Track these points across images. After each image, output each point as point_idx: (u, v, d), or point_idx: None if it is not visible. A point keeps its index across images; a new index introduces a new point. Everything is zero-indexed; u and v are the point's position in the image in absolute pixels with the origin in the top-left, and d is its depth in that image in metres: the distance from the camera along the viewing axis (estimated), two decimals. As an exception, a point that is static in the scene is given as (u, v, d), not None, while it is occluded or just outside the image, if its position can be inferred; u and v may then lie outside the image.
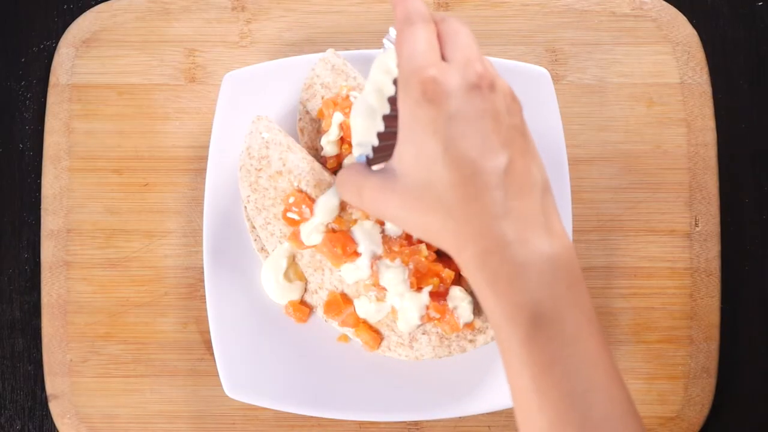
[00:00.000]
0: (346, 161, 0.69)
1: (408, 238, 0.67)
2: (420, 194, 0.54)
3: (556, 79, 0.76)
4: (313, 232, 0.68)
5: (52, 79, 0.77)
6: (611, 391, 0.52)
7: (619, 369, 0.54)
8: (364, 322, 0.69)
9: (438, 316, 0.66)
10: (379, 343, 0.69)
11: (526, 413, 0.52)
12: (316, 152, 0.71)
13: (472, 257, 0.53)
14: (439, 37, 0.55)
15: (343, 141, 0.69)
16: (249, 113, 0.71)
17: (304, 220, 0.68)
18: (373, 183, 0.58)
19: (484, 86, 0.54)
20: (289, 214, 0.69)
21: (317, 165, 0.70)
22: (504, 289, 0.52)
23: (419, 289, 0.67)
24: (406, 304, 0.67)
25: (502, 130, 0.54)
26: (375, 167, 0.60)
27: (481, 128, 0.53)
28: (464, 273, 0.55)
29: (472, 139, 0.53)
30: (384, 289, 0.67)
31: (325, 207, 0.67)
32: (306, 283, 0.70)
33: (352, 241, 0.67)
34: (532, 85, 0.71)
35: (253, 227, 0.71)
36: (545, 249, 0.52)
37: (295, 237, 0.68)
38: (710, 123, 0.76)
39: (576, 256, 0.54)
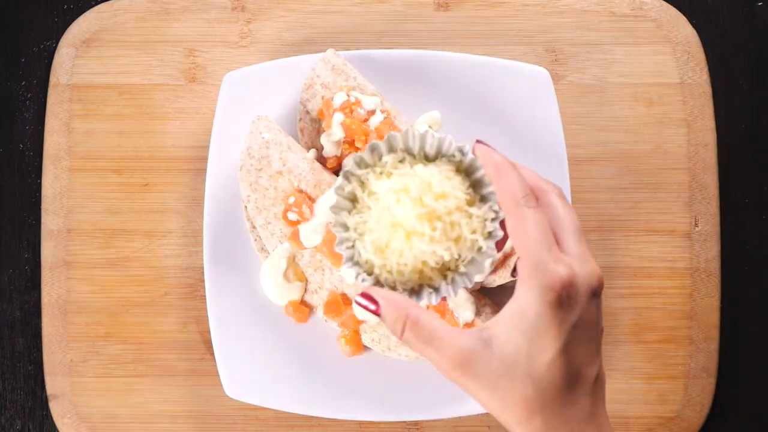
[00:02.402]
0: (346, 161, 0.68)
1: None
2: (508, 385, 0.52)
3: (556, 79, 0.76)
4: (312, 232, 0.68)
5: (53, 79, 0.77)
6: None
7: None
8: (363, 323, 0.69)
9: (438, 316, 0.66)
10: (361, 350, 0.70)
11: None
12: (316, 152, 0.71)
13: None
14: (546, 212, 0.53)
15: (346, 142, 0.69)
16: (249, 113, 0.71)
17: (304, 220, 0.68)
18: (459, 346, 0.52)
19: (599, 292, 0.53)
20: (289, 215, 0.69)
21: (317, 165, 0.70)
22: None
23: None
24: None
25: (600, 336, 0.54)
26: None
27: (592, 337, 0.53)
28: None
29: (584, 347, 0.52)
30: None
31: (326, 207, 0.67)
32: (306, 284, 0.70)
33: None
34: (532, 85, 0.71)
35: (254, 227, 0.71)
36: None
37: (295, 237, 0.68)
38: (710, 123, 0.76)
39: None
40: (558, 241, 0.52)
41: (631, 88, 0.77)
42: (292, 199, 0.68)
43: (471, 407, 0.69)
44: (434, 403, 0.69)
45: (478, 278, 0.64)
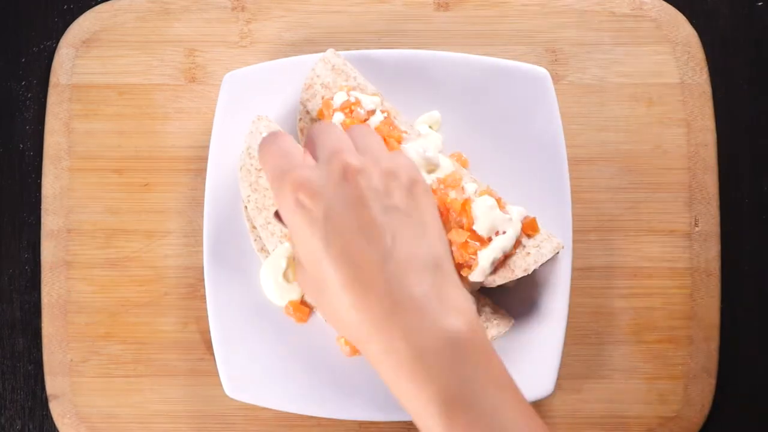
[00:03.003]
0: None
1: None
2: (318, 293, 0.55)
3: (556, 79, 0.76)
4: None
5: (53, 79, 0.77)
6: None
7: (546, 427, 0.53)
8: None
9: None
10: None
11: None
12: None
13: (375, 356, 0.52)
14: (309, 145, 0.57)
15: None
16: (249, 113, 0.71)
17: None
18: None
19: (351, 174, 0.53)
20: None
21: (317, 165, 0.70)
22: (411, 383, 0.51)
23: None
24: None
25: (378, 215, 0.53)
26: None
27: (354, 220, 0.52)
28: (376, 371, 0.54)
29: (347, 234, 0.52)
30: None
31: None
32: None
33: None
34: (532, 85, 0.71)
35: (254, 227, 0.71)
36: (443, 332, 0.51)
37: (295, 237, 0.68)
38: (710, 123, 0.76)
39: (480, 326, 0.53)
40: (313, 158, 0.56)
41: (631, 88, 0.77)
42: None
43: (471, 407, 0.69)
44: (434, 403, 0.69)
45: (477, 278, 0.64)
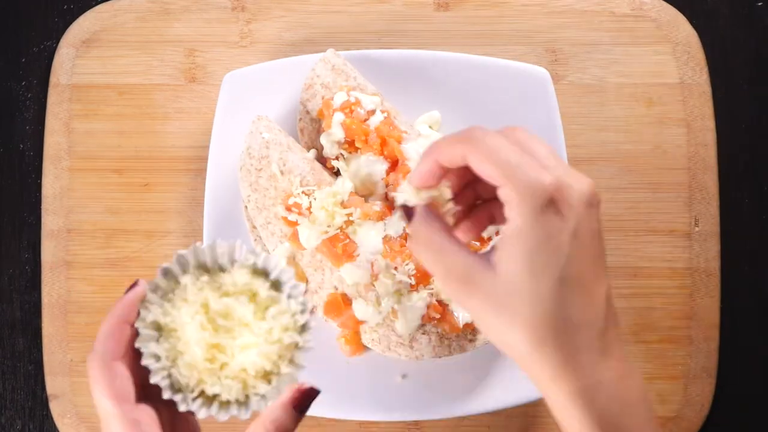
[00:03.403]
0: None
1: (408, 238, 0.67)
2: (514, 304, 0.48)
3: (556, 79, 0.76)
4: (310, 237, 0.68)
5: (53, 79, 0.77)
6: None
7: None
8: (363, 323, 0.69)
9: (438, 316, 0.66)
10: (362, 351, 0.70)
11: None
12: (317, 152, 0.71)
13: (571, 393, 0.48)
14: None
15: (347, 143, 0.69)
16: (249, 113, 0.71)
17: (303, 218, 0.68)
18: (460, 261, 0.50)
19: (596, 203, 0.49)
20: (289, 216, 0.69)
21: (317, 165, 0.70)
22: (614, 427, 0.49)
23: (419, 289, 0.67)
24: (406, 305, 0.67)
25: (604, 253, 0.50)
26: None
27: (597, 252, 0.49)
28: (553, 404, 0.50)
29: (590, 262, 0.48)
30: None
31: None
32: (306, 284, 0.70)
33: (352, 242, 0.67)
34: (532, 85, 0.71)
35: (254, 227, 0.71)
36: (638, 383, 0.50)
37: (295, 237, 0.68)
38: (710, 123, 0.76)
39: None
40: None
41: (631, 88, 0.77)
42: (291, 201, 0.68)
43: (471, 407, 0.69)
44: (434, 403, 0.69)
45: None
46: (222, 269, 0.52)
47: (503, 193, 0.48)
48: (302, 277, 0.70)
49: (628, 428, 0.49)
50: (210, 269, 0.52)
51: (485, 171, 0.49)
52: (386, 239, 0.67)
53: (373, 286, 0.67)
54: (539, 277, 0.47)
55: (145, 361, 0.50)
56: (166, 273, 0.51)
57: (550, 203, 0.47)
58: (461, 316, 0.67)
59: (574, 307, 0.47)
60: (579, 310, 0.48)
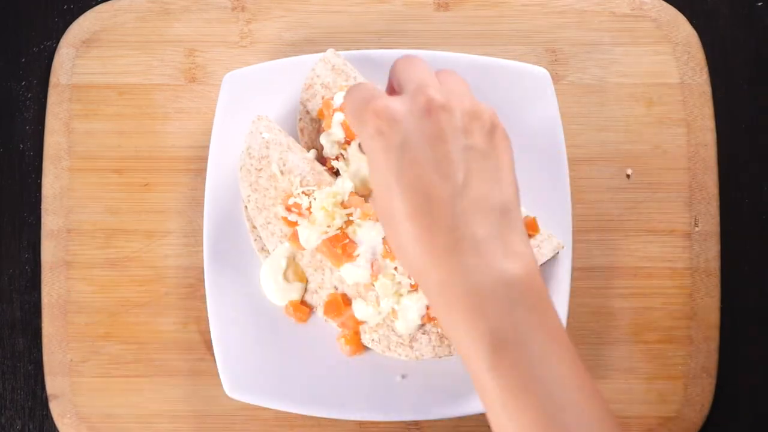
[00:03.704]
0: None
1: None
2: (386, 220, 0.55)
3: (556, 79, 0.76)
4: (310, 237, 0.68)
5: (53, 79, 0.77)
6: (587, 408, 0.50)
7: (597, 386, 0.53)
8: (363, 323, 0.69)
9: None
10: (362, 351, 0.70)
11: None
12: (317, 152, 0.71)
13: (432, 287, 0.53)
14: (393, 80, 0.58)
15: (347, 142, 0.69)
16: (249, 113, 0.71)
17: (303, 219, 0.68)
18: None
19: (434, 109, 0.53)
20: (289, 216, 0.69)
21: (317, 165, 0.70)
22: (463, 318, 0.52)
23: (419, 289, 0.67)
24: (406, 305, 0.67)
25: (455, 153, 0.53)
26: None
27: (430, 153, 0.53)
28: (429, 303, 0.55)
29: (421, 166, 0.52)
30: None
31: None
32: (306, 284, 0.70)
33: (352, 242, 0.67)
34: (532, 85, 0.71)
35: (254, 227, 0.71)
36: (501, 274, 0.52)
37: (295, 237, 0.68)
38: (710, 123, 0.76)
39: (539, 275, 0.53)
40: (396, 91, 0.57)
41: (631, 88, 0.77)
42: (291, 201, 0.68)
43: (471, 407, 0.69)
44: (434, 403, 0.69)
45: None
46: None
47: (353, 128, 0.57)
48: (302, 278, 0.70)
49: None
50: None
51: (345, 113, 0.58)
52: (386, 239, 0.67)
53: (373, 286, 0.67)
54: (387, 194, 0.54)
55: None
56: None
57: (376, 125, 0.54)
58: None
59: (421, 210, 0.53)
60: (427, 211, 0.53)
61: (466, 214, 0.52)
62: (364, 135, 0.55)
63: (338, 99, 0.69)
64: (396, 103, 0.54)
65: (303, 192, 0.68)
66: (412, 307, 0.66)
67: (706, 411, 0.74)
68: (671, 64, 0.77)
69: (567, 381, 0.51)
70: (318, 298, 0.70)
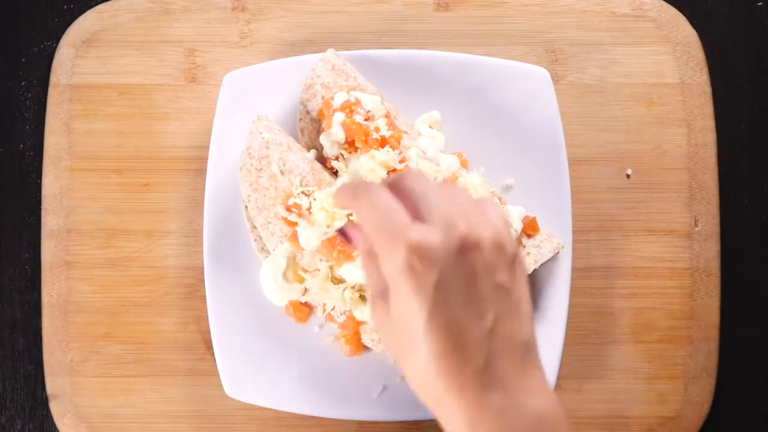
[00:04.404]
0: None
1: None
2: (404, 353, 0.53)
3: (556, 79, 0.76)
4: (310, 237, 0.68)
5: (53, 79, 0.77)
6: None
7: None
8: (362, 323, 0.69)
9: None
10: (362, 351, 0.70)
11: None
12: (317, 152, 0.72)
13: (459, 427, 0.52)
14: (404, 198, 0.53)
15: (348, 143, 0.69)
16: (249, 113, 0.71)
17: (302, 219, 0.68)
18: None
19: (468, 249, 0.52)
20: (289, 216, 0.69)
21: (317, 165, 0.70)
22: None
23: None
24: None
25: (486, 292, 0.52)
26: None
27: (464, 294, 0.51)
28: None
29: (454, 308, 0.51)
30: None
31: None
32: (303, 284, 0.70)
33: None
34: (532, 85, 0.71)
35: (254, 227, 0.71)
36: (531, 411, 0.52)
37: (295, 238, 0.68)
38: (710, 123, 0.76)
39: (561, 408, 0.54)
40: (417, 215, 0.53)
41: (631, 88, 0.77)
42: (291, 201, 0.69)
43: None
44: (434, 403, 0.69)
45: None
46: None
47: (375, 248, 0.53)
48: (301, 279, 0.70)
49: None
50: None
51: (364, 226, 0.53)
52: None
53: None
54: (414, 328, 0.51)
55: None
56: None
57: (408, 263, 0.51)
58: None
59: (449, 351, 0.51)
60: (456, 353, 0.51)
61: (496, 355, 0.52)
62: (391, 265, 0.51)
63: (338, 99, 0.69)
64: (432, 239, 0.51)
65: (303, 192, 0.68)
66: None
67: (706, 411, 0.74)
68: (671, 64, 0.77)
69: None
70: (318, 299, 0.70)
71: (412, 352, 0.52)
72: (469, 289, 0.52)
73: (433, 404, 0.53)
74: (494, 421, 0.51)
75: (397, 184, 0.54)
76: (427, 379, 0.52)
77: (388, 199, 0.53)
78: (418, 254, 0.51)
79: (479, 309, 0.52)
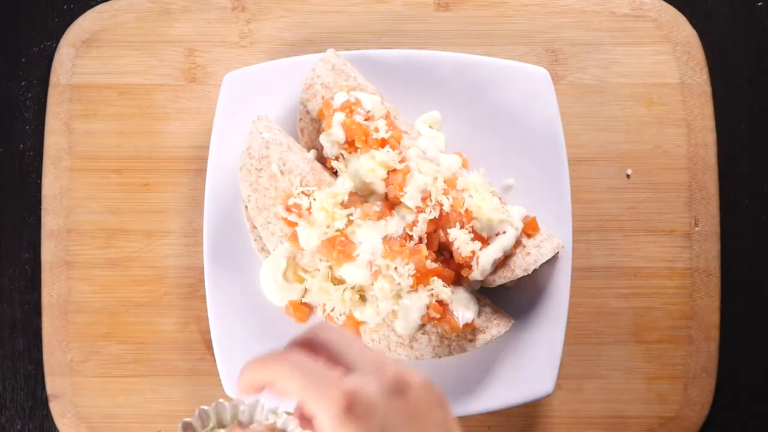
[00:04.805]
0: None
1: (407, 238, 0.67)
2: None
3: (556, 79, 0.76)
4: (310, 237, 0.68)
5: (53, 79, 0.77)
6: None
7: None
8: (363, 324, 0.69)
9: (438, 316, 0.66)
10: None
11: None
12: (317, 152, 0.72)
13: None
14: (321, 353, 0.54)
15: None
16: (249, 113, 0.71)
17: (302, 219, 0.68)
18: None
19: (403, 389, 0.52)
20: (289, 216, 0.69)
21: (317, 165, 0.70)
22: None
23: (418, 289, 0.67)
24: (406, 305, 0.67)
25: (428, 427, 0.53)
26: None
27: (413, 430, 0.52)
28: None
29: None
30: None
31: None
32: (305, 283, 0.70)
33: (352, 243, 0.67)
34: (532, 85, 0.71)
35: (254, 227, 0.71)
36: None
37: (295, 238, 0.68)
38: (710, 123, 0.76)
39: None
40: (341, 367, 0.53)
41: (631, 88, 0.77)
42: (291, 201, 0.68)
43: (471, 407, 0.69)
44: (434, 403, 0.69)
45: (478, 278, 0.65)
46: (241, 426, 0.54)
47: (306, 408, 0.51)
48: (301, 279, 0.70)
49: None
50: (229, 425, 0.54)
51: (289, 390, 0.52)
52: (386, 239, 0.67)
53: (373, 286, 0.67)
54: None
55: None
56: (187, 428, 0.53)
57: (348, 411, 0.50)
58: (461, 316, 0.67)
59: None
60: None
61: None
62: (329, 413, 0.50)
63: (338, 99, 0.69)
64: (367, 386, 0.51)
65: (303, 192, 0.68)
66: (412, 308, 0.66)
67: (706, 411, 0.74)
68: (671, 64, 0.77)
69: None
70: (318, 299, 0.70)
71: None
72: (414, 428, 0.52)
73: None
74: None
75: (311, 341, 0.54)
76: None
77: (305, 359, 0.52)
78: (358, 401, 0.50)
79: None
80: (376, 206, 0.68)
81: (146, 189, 0.76)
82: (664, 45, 0.77)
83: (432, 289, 0.67)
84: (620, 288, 0.75)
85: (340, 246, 0.67)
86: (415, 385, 0.53)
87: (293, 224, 0.68)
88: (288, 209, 0.68)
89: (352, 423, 0.50)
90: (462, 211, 0.67)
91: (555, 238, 0.69)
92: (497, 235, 0.68)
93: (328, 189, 0.68)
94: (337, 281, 0.69)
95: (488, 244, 0.67)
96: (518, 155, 0.72)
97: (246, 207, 0.71)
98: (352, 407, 0.50)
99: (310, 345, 0.54)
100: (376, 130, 0.68)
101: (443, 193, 0.67)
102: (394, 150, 0.68)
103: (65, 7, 0.79)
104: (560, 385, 0.73)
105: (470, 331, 0.68)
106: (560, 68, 0.77)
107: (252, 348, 0.70)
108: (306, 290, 0.70)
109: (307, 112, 0.71)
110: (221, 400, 0.53)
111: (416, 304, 0.66)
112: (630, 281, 0.75)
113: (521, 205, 0.70)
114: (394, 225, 0.67)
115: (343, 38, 0.77)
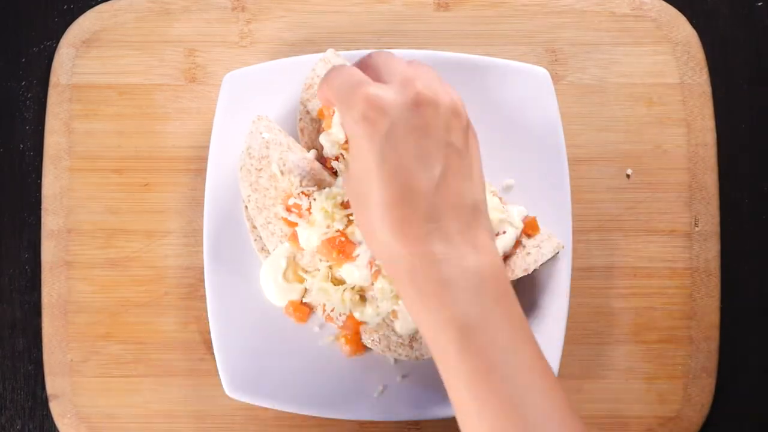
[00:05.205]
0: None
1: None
2: (359, 203, 0.57)
3: (556, 79, 0.76)
4: (310, 238, 0.68)
5: (53, 79, 0.77)
6: (550, 394, 0.53)
7: (555, 377, 0.55)
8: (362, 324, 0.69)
9: None
10: (363, 351, 0.70)
11: (467, 422, 0.54)
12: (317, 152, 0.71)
13: (402, 274, 0.55)
14: (370, 72, 0.58)
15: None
16: (249, 113, 0.71)
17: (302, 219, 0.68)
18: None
19: (422, 103, 0.55)
20: (289, 217, 0.69)
21: (317, 165, 0.70)
22: (433, 304, 0.54)
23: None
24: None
25: (437, 146, 0.55)
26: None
27: (414, 144, 0.55)
28: (396, 287, 0.57)
29: (404, 156, 0.54)
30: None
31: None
32: (303, 284, 0.70)
33: (352, 243, 0.67)
34: (532, 85, 0.71)
35: (254, 227, 0.71)
36: (470, 265, 0.54)
37: (295, 238, 0.68)
38: (710, 123, 0.76)
39: (504, 271, 0.57)
40: (379, 80, 0.57)
41: (631, 88, 0.77)
42: (291, 201, 0.68)
43: (471, 407, 0.69)
44: (434, 403, 0.69)
45: None
46: None
47: (337, 105, 0.58)
48: (301, 279, 0.70)
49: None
50: None
51: (329, 98, 0.59)
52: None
53: (373, 286, 0.67)
54: (366, 177, 0.55)
55: None
56: None
57: (365, 114, 0.55)
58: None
59: (398, 198, 0.55)
60: (404, 200, 0.54)
61: (441, 208, 0.55)
62: (349, 118, 0.56)
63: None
64: (386, 92, 0.55)
65: (303, 192, 0.68)
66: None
67: (706, 411, 0.74)
68: (671, 64, 0.77)
69: (532, 368, 0.54)
70: (318, 299, 0.70)
71: (366, 205, 0.56)
72: (420, 140, 0.55)
73: (382, 253, 0.56)
74: (433, 268, 0.54)
75: (364, 61, 0.59)
76: (377, 227, 0.55)
77: (352, 68, 0.58)
78: (373, 105, 0.55)
79: (428, 161, 0.55)
80: (376, 206, 0.68)
81: (146, 189, 0.76)
82: (664, 45, 0.77)
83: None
84: (620, 288, 0.75)
85: (340, 246, 0.67)
86: (440, 104, 0.56)
87: (293, 224, 0.68)
88: (288, 209, 0.68)
89: (364, 124, 0.55)
90: (462, 211, 0.67)
91: (555, 238, 0.69)
92: (497, 235, 0.67)
93: (328, 189, 0.68)
94: (337, 281, 0.69)
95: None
96: (518, 155, 0.72)
97: (246, 207, 0.71)
98: (368, 111, 0.55)
99: (364, 65, 0.59)
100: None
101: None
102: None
103: (65, 7, 0.79)
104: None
105: (470, 331, 0.68)
106: (560, 68, 0.77)
107: (252, 348, 0.70)
108: (306, 290, 0.70)
109: (307, 112, 0.71)
110: None
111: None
112: (630, 281, 0.75)
113: (521, 205, 0.70)
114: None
115: (343, 38, 0.77)
